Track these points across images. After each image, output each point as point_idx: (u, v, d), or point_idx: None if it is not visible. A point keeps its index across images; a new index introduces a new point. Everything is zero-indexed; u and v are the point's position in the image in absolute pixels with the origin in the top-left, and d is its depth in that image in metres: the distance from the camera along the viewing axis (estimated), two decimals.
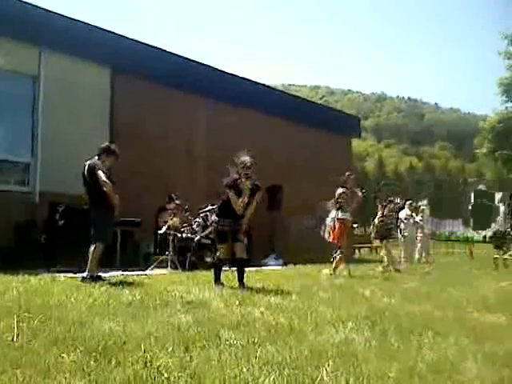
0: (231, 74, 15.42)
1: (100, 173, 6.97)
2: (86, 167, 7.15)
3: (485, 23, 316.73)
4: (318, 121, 17.43)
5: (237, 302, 5.34)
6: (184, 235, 10.69)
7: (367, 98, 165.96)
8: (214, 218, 7.64)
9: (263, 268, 11.34)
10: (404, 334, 4.03)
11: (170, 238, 10.20)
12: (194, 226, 11.20)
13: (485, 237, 47.23)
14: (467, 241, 39.04)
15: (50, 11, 11.11)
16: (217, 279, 7.04)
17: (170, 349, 3.30)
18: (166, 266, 9.99)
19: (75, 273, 7.56)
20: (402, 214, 14.57)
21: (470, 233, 54.14)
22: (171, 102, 13.18)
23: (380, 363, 3.13)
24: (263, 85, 17.69)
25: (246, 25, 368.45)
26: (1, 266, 7.45)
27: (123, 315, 4.35)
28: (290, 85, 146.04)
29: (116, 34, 12.44)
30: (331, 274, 9.29)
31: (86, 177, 7.13)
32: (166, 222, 10.57)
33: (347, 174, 9.92)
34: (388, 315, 4.88)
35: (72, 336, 3.53)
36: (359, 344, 3.64)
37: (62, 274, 7.63)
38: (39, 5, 10.96)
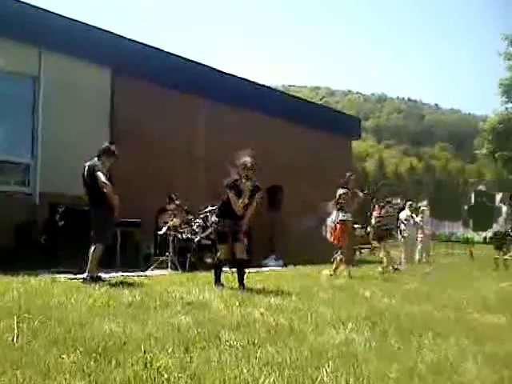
0: (231, 75, 15.43)
1: (100, 174, 6.97)
2: (86, 168, 7.15)
3: (485, 24, 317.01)
4: (319, 121, 17.43)
5: (237, 303, 5.34)
6: (184, 236, 10.69)
7: (367, 99, 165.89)
8: (214, 218, 7.65)
9: (263, 269, 11.34)
10: (404, 335, 4.03)
11: (170, 238, 10.20)
12: (195, 227, 11.20)
13: (485, 238, 47.21)
14: (467, 242, 39.04)
15: (50, 12, 11.11)
16: (217, 280, 7.04)
17: (170, 350, 3.30)
18: (166, 267, 9.99)
19: (75, 274, 7.57)
20: (403, 215, 14.57)
21: (470, 234, 54.10)
22: (171, 103, 13.18)
23: (380, 364, 3.13)
24: (263, 85, 17.70)
25: (246, 25, 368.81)
26: (1, 267, 7.44)
27: (123, 316, 4.35)
28: (290, 85, 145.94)
29: (116, 34, 12.45)
30: (331, 275, 9.28)
31: (86, 178, 7.14)
32: (166, 222, 10.57)
33: (348, 174, 9.91)
34: (388, 316, 4.88)
35: (72, 337, 3.53)
36: (359, 345, 3.64)
37: (62, 275, 7.64)
38: (39, 5, 10.96)
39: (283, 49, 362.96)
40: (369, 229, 13.77)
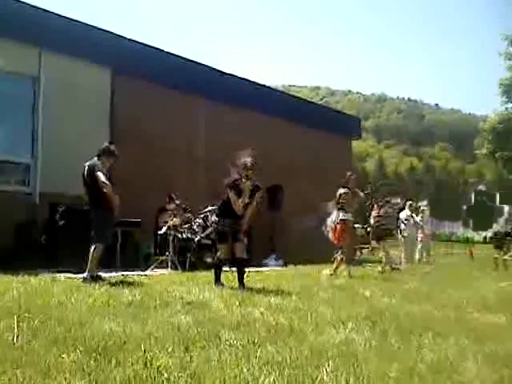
0: (231, 75, 15.42)
1: (100, 174, 6.98)
2: (86, 168, 7.15)
3: (485, 24, 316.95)
4: (319, 121, 17.43)
5: (237, 303, 5.34)
6: (184, 236, 10.69)
7: (367, 99, 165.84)
8: (214, 218, 7.65)
9: (263, 268, 11.35)
10: (404, 335, 4.04)
11: (170, 238, 10.20)
12: (195, 227, 11.20)
13: (485, 237, 47.20)
14: (467, 241, 39.05)
15: (50, 12, 11.10)
16: (217, 279, 7.05)
17: (170, 349, 3.30)
18: (166, 267, 10.00)
19: (75, 273, 7.57)
20: (403, 215, 14.58)
21: (470, 233, 54.11)
22: (171, 103, 13.17)
23: (380, 363, 3.13)
24: (264, 85, 17.70)
25: (246, 25, 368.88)
26: (1, 267, 7.44)
27: (123, 315, 4.35)
28: (290, 85, 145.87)
29: (116, 34, 12.44)
30: (331, 275, 9.28)
31: (86, 178, 7.14)
32: (167, 222, 10.57)
33: (348, 174, 9.91)
34: (388, 315, 4.89)
35: (72, 336, 3.54)
36: (359, 344, 3.65)
37: (62, 275, 7.64)
38: (39, 5, 10.96)
39: (283, 49, 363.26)
40: (369, 229, 13.77)
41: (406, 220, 14.47)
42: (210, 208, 10.91)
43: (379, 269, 10.98)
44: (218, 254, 7.28)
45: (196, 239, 10.85)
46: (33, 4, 10.82)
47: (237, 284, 6.83)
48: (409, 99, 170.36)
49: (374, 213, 11.90)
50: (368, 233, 12.36)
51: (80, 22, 11.71)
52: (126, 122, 11.98)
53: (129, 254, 10.76)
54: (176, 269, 9.91)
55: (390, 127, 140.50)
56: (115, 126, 12.00)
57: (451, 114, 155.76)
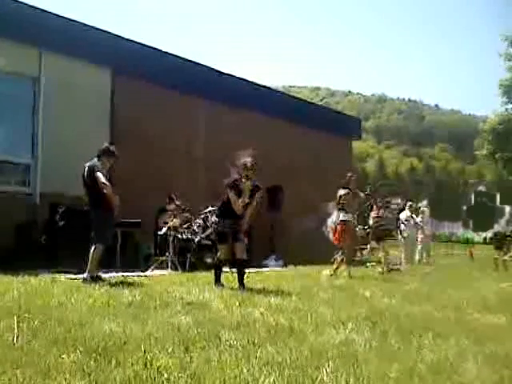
0: (231, 76, 15.42)
1: (99, 175, 6.97)
2: (86, 169, 7.15)
3: (485, 24, 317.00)
4: (319, 122, 17.44)
5: (237, 303, 5.34)
6: (184, 236, 10.69)
7: (368, 100, 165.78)
8: (214, 218, 7.65)
9: (263, 269, 11.35)
10: (404, 335, 4.03)
11: (170, 239, 10.20)
12: (195, 227, 11.20)
13: (485, 238, 47.17)
14: (467, 242, 39.03)
15: (50, 12, 11.11)
16: (217, 280, 7.05)
17: (170, 349, 3.30)
18: (166, 267, 9.99)
19: (75, 274, 7.57)
20: (403, 215, 14.58)
21: (470, 234, 54.07)
22: (171, 103, 13.18)
23: (380, 364, 3.13)
24: (264, 86, 17.70)
25: (246, 25, 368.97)
26: (1, 267, 7.44)
27: (123, 316, 4.35)
28: (290, 86, 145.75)
29: (116, 34, 12.45)
30: (331, 275, 9.28)
31: (86, 179, 7.14)
32: (167, 222, 10.56)
33: (349, 175, 9.91)
34: (388, 316, 4.89)
35: (72, 336, 3.54)
36: (359, 345, 3.65)
37: (62, 275, 7.64)
38: (39, 6, 10.97)
39: (283, 49, 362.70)
40: (368, 229, 13.77)
41: (406, 221, 14.46)
42: (210, 208, 10.91)
43: (379, 269, 10.97)
44: (218, 254, 7.28)
45: (196, 240, 10.84)
46: (31, 4, 10.82)
47: (237, 284, 6.83)
48: (409, 100, 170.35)
49: (373, 213, 11.89)
50: (367, 233, 12.35)
51: (80, 22, 11.73)
52: (125, 122, 11.99)
53: (129, 254, 10.76)
54: (176, 269, 9.91)
55: (390, 128, 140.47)
56: (115, 126, 12.00)
57: (451, 115, 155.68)
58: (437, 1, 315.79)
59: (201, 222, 11.32)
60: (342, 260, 9.62)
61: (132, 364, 2.94)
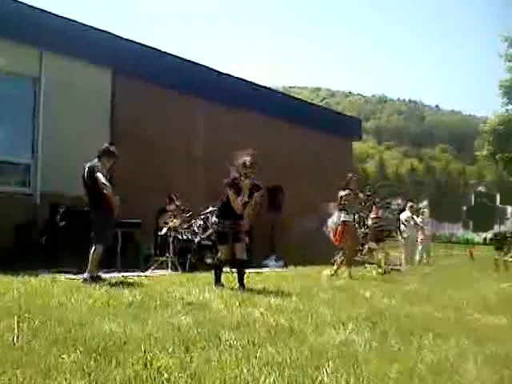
0: (230, 76, 15.42)
1: (99, 175, 6.97)
2: (86, 169, 7.15)
3: (485, 25, 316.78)
4: (319, 123, 17.43)
5: (237, 303, 5.34)
6: (184, 237, 10.69)
7: (368, 100, 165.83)
8: (214, 219, 7.65)
9: (264, 269, 11.34)
10: (404, 336, 4.03)
11: (170, 239, 10.20)
12: (195, 228, 11.20)
13: (485, 239, 47.23)
14: (467, 243, 39.03)
15: (49, 12, 11.10)
16: (217, 280, 7.05)
17: (170, 349, 3.30)
18: (167, 268, 9.99)
19: (76, 274, 7.57)
20: (403, 216, 14.58)
21: (470, 235, 54.14)
22: (170, 103, 13.17)
23: (380, 364, 3.13)
24: (264, 87, 17.70)
25: (246, 25, 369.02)
26: (1, 267, 7.44)
27: (123, 316, 4.35)
28: (290, 87, 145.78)
29: (116, 35, 12.44)
30: (332, 275, 9.28)
31: (86, 179, 7.14)
32: (167, 223, 10.56)
33: (349, 175, 9.91)
34: (388, 316, 4.88)
35: (72, 336, 3.53)
36: (359, 345, 3.65)
37: (62, 275, 7.64)
38: (39, 6, 10.97)
39: (283, 49, 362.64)
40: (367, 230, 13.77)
41: (406, 221, 14.46)
42: (210, 209, 10.90)
43: (379, 270, 10.97)
44: (219, 254, 7.29)
45: (196, 240, 10.84)
46: (30, 4, 10.81)
47: (237, 285, 6.84)
48: (409, 100, 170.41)
49: (372, 214, 11.89)
50: (366, 234, 12.34)
51: (80, 22, 11.72)
52: (125, 123, 11.98)
53: (129, 254, 10.75)
54: (176, 270, 9.91)
55: (390, 128, 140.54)
56: (115, 126, 12.00)
57: (452, 116, 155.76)
58: (437, 1, 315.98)
59: (201, 222, 11.32)
60: (342, 261, 9.62)
61: (132, 364, 2.94)
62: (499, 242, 15.04)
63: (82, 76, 11.52)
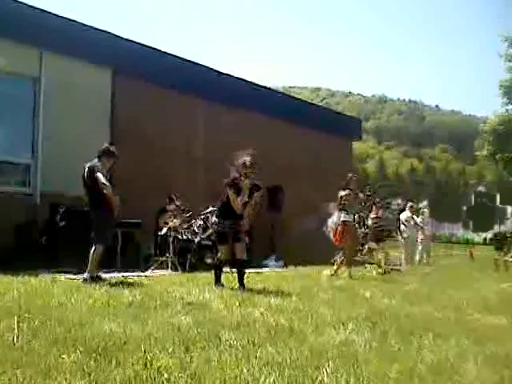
0: (230, 76, 15.42)
1: (99, 175, 6.97)
2: (86, 169, 7.15)
3: (485, 25, 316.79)
4: (319, 123, 17.43)
5: (237, 303, 5.34)
6: (184, 237, 10.69)
7: (368, 100, 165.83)
8: (214, 219, 7.65)
9: (264, 269, 11.34)
10: (404, 336, 4.03)
11: (170, 239, 10.20)
12: (195, 228, 11.20)
13: (485, 239, 47.24)
14: (467, 243, 39.04)
15: (49, 12, 11.10)
16: (217, 280, 7.05)
17: (170, 349, 3.30)
18: (167, 268, 9.99)
19: (76, 274, 7.57)
20: (403, 216, 14.58)
21: (470, 235, 54.15)
22: (170, 103, 13.17)
23: (380, 364, 3.13)
24: (264, 87, 17.70)
25: (246, 25, 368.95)
26: (1, 267, 7.44)
27: (123, 316, 4.35)
28: (290, 87, 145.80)
29: (116, 35, 12.44)
30: (332, 275, 9.28)
31: (86, 179, 7.14)
32: (167, 223, 10.56)
33: (349, 175, 9.91)
34: (388, 316, 4.88)
35: (72, 336, 3.53)
36: (359, 345, 3.64)
37: (62, 275, 7.64)
38: (39, 6, 10.96)
39: (283, 49, 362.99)
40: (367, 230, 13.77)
41: (406, 221, 14.46)
42: (210, 209, 10.90)
43: (379, 270, 10.97)
44: (219, 254, 7.29)
45: (196, 240, 10.84)
46: (30, 4, 10.80)
47: (237, 285, 6.84)
48: (409, 100, 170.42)
49: (372, 214, 11.89)
50: (366, 234, 12.35)
51: (80, 22, 11.71)
52: (125, 123, 11.98)
53: (129, 254, 10.75)
54: (176, 270, 9.91)
55: (390, 128, 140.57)
56: (115, 126, 12.00)
57: (451, 116, 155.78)
58: (437, 1, 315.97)
59: (201, 222, 11.32)
60: (342, 261, 9.62)
61: (132, 364, 2.94)
62: (499, 241, 15.05)
63: (82, 76, 11.51)
